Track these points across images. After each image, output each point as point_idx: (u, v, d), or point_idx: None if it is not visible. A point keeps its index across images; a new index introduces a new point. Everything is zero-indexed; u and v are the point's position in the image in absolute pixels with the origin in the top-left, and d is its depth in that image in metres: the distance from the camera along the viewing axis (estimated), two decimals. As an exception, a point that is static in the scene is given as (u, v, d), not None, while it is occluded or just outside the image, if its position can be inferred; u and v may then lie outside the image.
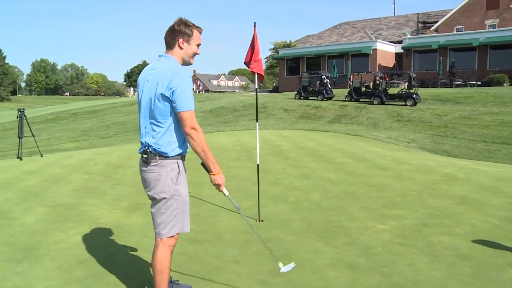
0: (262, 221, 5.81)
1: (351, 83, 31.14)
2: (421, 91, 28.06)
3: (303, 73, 35.38)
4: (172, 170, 3.22)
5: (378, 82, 28.31)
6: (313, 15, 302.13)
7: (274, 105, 28.61)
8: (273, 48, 59.38)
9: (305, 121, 22.92)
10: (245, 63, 6.20)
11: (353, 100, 28.93)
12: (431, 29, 46.59)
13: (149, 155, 3.21)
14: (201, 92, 65.77)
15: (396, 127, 20.05)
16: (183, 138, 3.24)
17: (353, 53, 43.03)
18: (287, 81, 47.49)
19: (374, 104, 26.98)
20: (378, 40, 44.62)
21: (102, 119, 30.68)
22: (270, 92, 49.45)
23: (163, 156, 3.19)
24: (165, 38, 3.34)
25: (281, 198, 7.02)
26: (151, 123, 3.21)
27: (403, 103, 25.93)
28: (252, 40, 6.10)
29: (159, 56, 3.34)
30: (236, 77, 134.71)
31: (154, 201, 3.29)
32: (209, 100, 36.02)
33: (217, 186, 3.32)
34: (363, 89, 29.86)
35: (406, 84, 29.68)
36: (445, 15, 46.33)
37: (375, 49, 41.79)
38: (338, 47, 45.53)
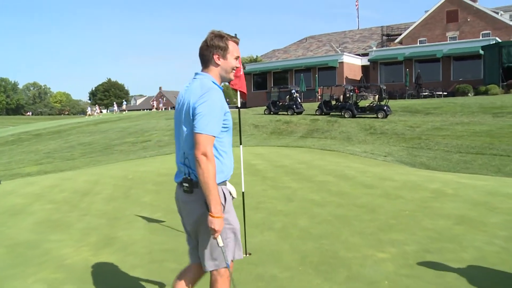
0: (250, 254, 5.23)
1: (319, 97, 30.98)
2: (391, 103, 28.05)
3: (272, 88, 35.08)
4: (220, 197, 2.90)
5: (348, 95, 28.19)
6: (278, 29, 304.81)
7: (244, 121, 28.11)
8: (249, 61, 59.19)
9: (277, 137, 22.48)
10: None
11: (323, 114, 28.70)
12: (395, 41, 47.21)
13: (190, 183, 2.91)
14: (167, 110, 64.74)
15: (370, 140, 19.79)
16: (226, 162, 2.98)
17: (320, 66, 43.05)
18: (254, 96, 47.13)
19: (345, 117, 26.78)
20: (344, 53, 44.84)
21: (67, 140, 29.56)
22: (236, 107, 48.86)
23: None
24: (200, 56, 3.07)
25: (266, 225, 6.46)
26: (190, 147, 2.90)
27: (375, 115, 25.82)
28: None
29: (195, 74, 3.09)
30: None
31: (199, 233, 2.99)
32: (177, 118, 35.23)
33: (212, 231, 2.84)
34: (333, 102, 29.71)
35: (376, 96, 29.69)
36: (408, 28, 47.09)
37: (342, 62, 41.92)
38: (304, 61, 45.50)
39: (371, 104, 27.25)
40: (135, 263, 5.03)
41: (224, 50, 3.02)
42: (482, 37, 40.50)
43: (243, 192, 5.81)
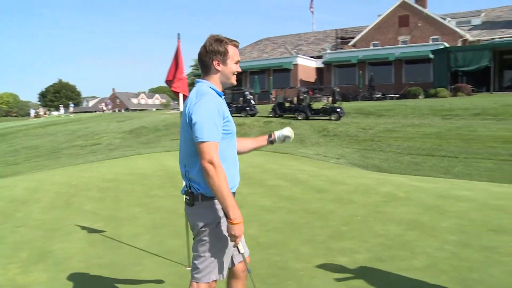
0: (194, 268, 4.93)
1: (274, 99, 30.89)
2: (344, 104, 28.24)
3: (226, 90, 34.70)
4: (220, 211, 2.84)
5: (302, 97, 28.19)
6: (233, 31, 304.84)
7: (197, 123, 27.70)
8: (194, 65, 58.61)
9: (231, 139, 22.21)
10: (166, 81, 5.26)
11: (277, 116, 28.60)
12: (349, 44, 47.72)
13: (191, 196, 2.85)
14: (121, 111, 63.42)
15: (323, 143, 19.79)
16: (230, 171, 2.83)
17: (274, 68, 43.07)
18: (209, 98, 46.66)
19: (298, 119, 26.74)
20: (299, 55, 45.03)
21: (11, 143, 28.35)
22: (180, 111, 48.35)
23: (206, 197, 2.82)
24: (199, 62, 2.99)
25: (214, 234, 6.16)
26: (189, 157, 2.85)
27: (328, 117, 25.89)
28: (176, 54, 5.21)
29: (196, 81, 2.98)
30: (157, 95, 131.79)
31: (193, 243, 2.94)
32: (129, 120, 34.42)
33: (233, 237, 2.74)
34: (287, 104, 29.66)
35: (330, 98, 29.81)
36: (362, 31, 47.68)
37: (296, 64, 42.08)
38: (259, 62, 45.43)
39: (324, 106, 27.32)
40: (68, 281, 4.63)
41: (223, 55, 2.92)
42: (431, 41, 41.41)
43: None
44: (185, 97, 5.27)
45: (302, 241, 5.66)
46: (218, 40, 2.93)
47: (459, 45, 40.48)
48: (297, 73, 41.79)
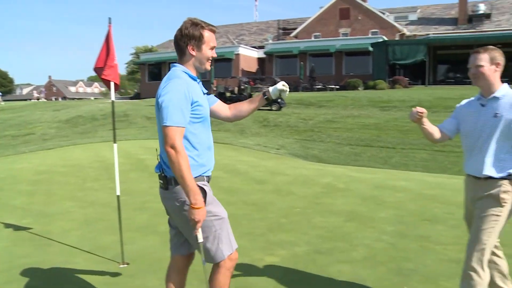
0: (128, 264, 4.69)
1: (215, 88, 30.60)
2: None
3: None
4: None
5: (243, 87, 28.07)
6: (175, 19, 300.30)
7: (136, 112, 27.02)
8: (134, 53, 57.19)
9: (171, 129, 21.77)
10: (95, 69, 4.94)
11: (218, 106, 28.37)
12: (291, 35, 48.00)
13: (164, 180, 2.86)
14: (58, 100, 61.08)
15: (264, 133, 19.76)
16: (204, 155, 2.88)
17: (216, 58, 42.61)
18: (149, 87, 45.74)
19: (240, 109, 26.62)
20: (241, 45, 44.83)
21: None
22: (131, 98, 47.32)
23: None
24: (175, 45, 2.94)
25: (150, 228, 5.92)
26: (161, 141, 2.83)
27: (269, 108, 25.90)
28: (106, 40, 4.88)
29: (171, 65, 2.98)
30: (96, 83, 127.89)
31: (183, 232, 2.96)
32: (66, 109, 33.12)
33: (193, 222, 2.72)
34: (228, 94, 29.46)
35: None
36: (304, 22, 48.03)
37: (238, 54, 41.88)
38: (200, 52, 44.83)
39: None
40: (-13, 281, 4.29)
41: (198, 40, 2.88)
42: (371, 35, 42.33)
43: (118, 196, 5.16)
44: (116, 85, 4.98)
45: (241, 233, 5.52)
46: (194, 24, 2.88)
47: (397, 39, 41.58)
48: (238, 63, 41.62)
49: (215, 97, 3.30)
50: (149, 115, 26.05)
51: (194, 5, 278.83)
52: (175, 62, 2.98)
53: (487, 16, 43.52)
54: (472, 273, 3.08)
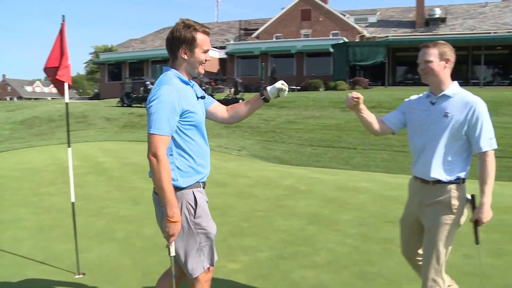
0: (83, 274, 4.45)
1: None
2: (247, 96, 28.25)
3: (126, 79, 33.59)
4: (187, 203, 2.75)
5: (204, 88, 27.83)
6: (135, 18, 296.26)
7: (95, 113, 26.42)
8: (94, 52, 56.01)
9: (130, 131, 21.35)
10: (46, 69, 4.63)
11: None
12: (253, 36, 48.00)
13: None
14: (12, 100, 59.15)
15: (225, 134, 19.60)
16: (198, 161, 2.80)
17: (178, 58, 42.23)
18: (109, 87, 44.92)
19: (201, 110, 26.38)
20: (202, 45, 44.49)
21: None
22: (90, 99, 46.38)
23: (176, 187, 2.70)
24: (166, 48, 2.83)
25: (107, 235, 5.68)
26: None
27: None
28: (59, 39, 4.61)
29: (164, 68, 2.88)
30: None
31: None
32: (21, 109, 32.08)
33: (167, 236, 2.66)
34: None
35: (232, 89, 29.72)
36: (265, 23, 48.11)
37: (199, 55, 41.53)
38: (161, 52, 44.33)
39: (226, 97, 27.17)
40: None
41: (191, 44, 2.75)
42: (331, 36, 42.77)
43: (73, 203, 4.90)
44: (70, 86, 4.73)
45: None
46: (186, 26, 2.76)
47: (357, 40, 42.12)
48: (200, 63, 41.32)
49: (213, 99, 3.21)
50: (109, 116, 25.52)
51: (154, 4, 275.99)
52: (169, 65, 2.89)
53: (442, 20, 44.65)
54: (433, 284, 3.01)
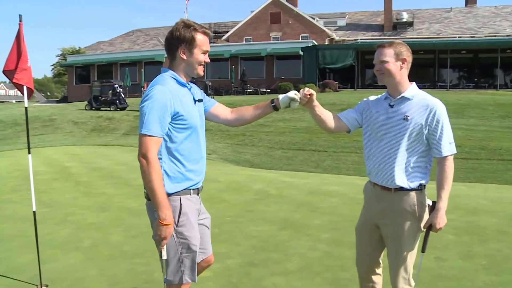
0: (46, 286, 4.25)
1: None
2: (216, 99, 27.56)
3: (94, 82, 33.06)
4: (176, 208, 2.66)
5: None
6: (104, 21, 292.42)
7: (62, 117, 25.87)
8: (61, 55, 54.92)
9: (98, 135, 20.99)
10: (5, 72, 4.42)
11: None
12: (222, 38, 47.87)
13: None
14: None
15: (196, 137, 19.43)
16: (189, 170, 2.74)
17: (146, 61, 41.87)
18: (77, 90, 44.16)
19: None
20: (172, 48, 44.20)
21: None
22: (58, 102, 45.51)
23: None
24: (165, 47, 2.79)
25: (72, 243, 5.47)
26: None
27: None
28: (17, 40, 4.38)
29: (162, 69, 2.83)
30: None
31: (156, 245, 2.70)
32: (-17, 113, 31.21)
33: (159, 239, 2.59)
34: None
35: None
36: (235, 26, 48.11)
37: (169, 57, 41.26)
38: (130, 54, 43.96)
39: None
40: None
41: (190, 44, 2.71)
42: (301, 39, 43.02)
43: (34, 211, 4.70)
44: (29, 90, 4.53)
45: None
46: (186, 26, 2.72)
47: (326, 43, 42.47)
48: (169, 66, 41.02)
49: (214, 100, 3.14)
50: (76, 120, 25.03)
51: (123, 7, 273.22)
52: (167, 66, 2.84)
53: (409, 24, 45.47)
54: None
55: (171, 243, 2.68)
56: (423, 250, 2.97)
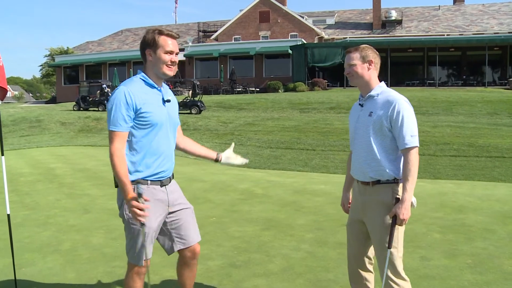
0: (20, 291, 4.14)
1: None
2: (205, 98, 28.02)
3: (82, 82, 32.78)
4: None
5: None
6: (93, 20, 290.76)
7: (50, 118, 25.61)
8: (49, 55, 54.54)
9: (85, 135, 20.77)
10: None
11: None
12: (211, 38, 47.73)
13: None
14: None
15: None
16: (145, 160, 2.99)
17: (135, 60, 41.65)
18: (65, 90, 43.86)
19: (159, 113, 25.96)
20: (160, 47, 43.99)
21: None
22: (47, 103, 45.15)
23: None
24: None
25: (52, 246, 5.34)
26: None
27: (188, 111, 25.40)
28: None
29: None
30: (8, 86, 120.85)
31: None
32: (-32, 114, 30.79)
33: (132, 214, 2.85)
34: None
35: (190, 92, 29.39)
36: (224, 25, 47.94)
37: (158, 57, 41.07)
38: (119, 54, 43.69)
39: (184, 100, 26.80)
40: None
41: (153, 45, 2.98)
42: (290, 38, 42.96)
43: (8, 215, 4.56)
44: (3, 90, 4.39)
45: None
46: (149, 31, 3.03)
47: (315, 42, 42.42)
48: (158, 65, 40.84)
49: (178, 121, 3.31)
50: (64, 120, 24.79)
51: (112, 6, 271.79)
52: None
53: (398, 22, 45.51)
54: (394, 286, 2.97)
55: (126, 226, 3.02)
56: (389, 245, 2.96)
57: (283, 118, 22.34)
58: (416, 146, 2.95)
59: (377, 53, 3.15)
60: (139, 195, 2.81)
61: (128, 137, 2.95)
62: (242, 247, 5.12)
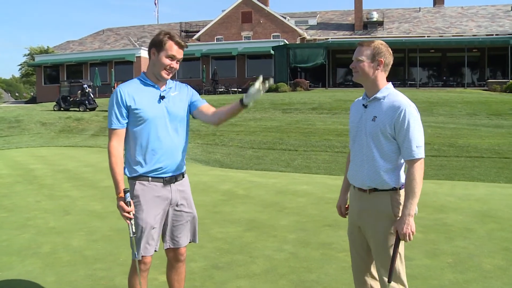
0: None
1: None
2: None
3: (63, 82, 32.40)
4: (134, 191, 3.09)
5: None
6: (73, 20, 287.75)
7: (30, 118, 25.26)
8: (29, 54, 53.81)
9: (66, 136, 20.54)
10: None
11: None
12: (193, 38, 47.58)
13: None
14: None
15: (166, 138, 19.18)
16: (142, 156, 3.09)
17: (116, 60, 41.28)
18: (46, 90, 43.24)
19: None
20: (142, 47, 43.68)
21: None
22: (26, 103, 44.53)
23: (128, 176, 3.12)
24: None
25: (31, 249, 5.25)
26: None
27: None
28: None
29: None
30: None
31: None
32: None
33: (119, 211, 3.02)
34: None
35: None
36: (206, 25, 47.86)
37: (139, 57, 40.77)
38: (100, 54, 43.24)
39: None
40: None
41: (158, 46, 3.05)
42: (272, 38, 43.03)
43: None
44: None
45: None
46: (162, 32, 3.10)
47: (298, 42, 42.55)
48: (140, 65, 40.43)
49: (202, 100, 3.36)
50: (44, 121, 24.48)
51: (93, 5, 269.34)
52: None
53: (380, 23, 45.92)
54: None
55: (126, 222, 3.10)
56: (389, 280, 2.81)
57: (265, 118, 22.35)
58: (422, 158, 2.74)
59: (391, 52, 2.88)
60: (126, 196, 2.95)
61: (128, 133, 3.10)
62: (224, 248, 5.10)
